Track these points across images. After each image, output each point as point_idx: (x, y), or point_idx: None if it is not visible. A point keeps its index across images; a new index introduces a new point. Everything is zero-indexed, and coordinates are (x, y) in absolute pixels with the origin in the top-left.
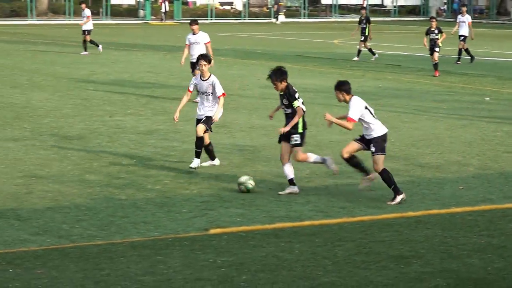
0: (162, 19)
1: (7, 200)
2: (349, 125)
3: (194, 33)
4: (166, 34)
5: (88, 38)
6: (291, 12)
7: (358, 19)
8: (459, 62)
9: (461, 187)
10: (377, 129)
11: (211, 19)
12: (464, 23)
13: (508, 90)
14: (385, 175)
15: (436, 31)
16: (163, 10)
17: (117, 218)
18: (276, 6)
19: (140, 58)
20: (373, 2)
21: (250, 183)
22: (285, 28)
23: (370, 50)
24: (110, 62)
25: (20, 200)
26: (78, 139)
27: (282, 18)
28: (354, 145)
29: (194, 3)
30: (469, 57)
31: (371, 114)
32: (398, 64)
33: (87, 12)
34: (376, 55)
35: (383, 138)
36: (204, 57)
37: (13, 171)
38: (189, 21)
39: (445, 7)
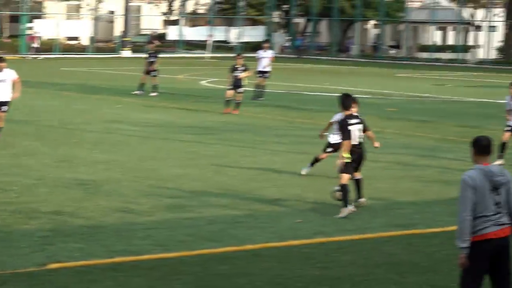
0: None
1: None
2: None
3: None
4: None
5: None
6: (137, 47)
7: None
8: (262, 99)
9: (298, 220)
10: None
11: (57, 53)
12: (266, 59)
13: None
14: None
15: (241, 69)
16: (35, 45)
17: None
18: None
19: None
20: (218, 38)
21: None
22: (132, 63)
23: (144, 85)
24: None
25: None
26: None
27: (127, 53)
28: None
29: (39, 38)
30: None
31: None
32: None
33: None
34: (143, 91)
35: None
36: None
37: None
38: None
39: (288, 44)
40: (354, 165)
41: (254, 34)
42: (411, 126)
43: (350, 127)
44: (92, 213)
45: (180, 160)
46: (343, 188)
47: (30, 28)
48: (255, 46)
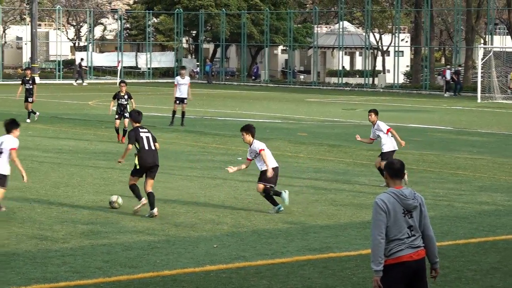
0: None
1: None
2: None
3: None
4: None
5: None
6: (45, 74)
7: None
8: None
9: (215, 245)
10: None
11: None
12: (185, 86)
13: None
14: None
15: (126, 96)
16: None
17: None
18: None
19: None
20: (128, 64)
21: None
22: (40, 89)
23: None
24: None
25: None
26: None
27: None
28: None
29: None
30: (181, 119)
31: None
32: (153, 125)
33: None
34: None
35: None
36: None
37: None
38: None
39: (198, 69)
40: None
41: (163, 59)
42: (323, 150)
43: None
44: (6, 240)
45: (94, 186)
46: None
47: None
48: (164, 72)
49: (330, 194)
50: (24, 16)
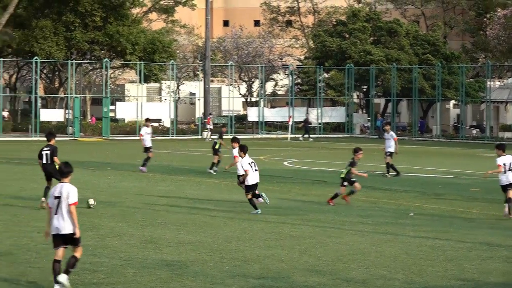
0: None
1: None
2: None
3: None
4: (95, 150)
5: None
6: (218, 129)
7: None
8: (388, 175)
9: None
10: None
11: (139, 136)
12: (389, 140)
13: (431, 205)
14: None
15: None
16: (209, 126)
17: None
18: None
19: None
20: (298, 119)
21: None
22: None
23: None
24: (39, 178)
25: None
26: (6, 255)
27: (208, 134)
28: None
29: (123, 120)
30: (395, 173)
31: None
32: (324, 180)
33: None
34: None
35: None
36: None
37: None
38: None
39: (369, 124)
40: None
41: (334, 114)
42: (497, 206)
43: None
44: None
45: (265, 241)
46: None
47: (112, 111)
48: (335, 127)
49: (504, 251)
50: (197, 72)
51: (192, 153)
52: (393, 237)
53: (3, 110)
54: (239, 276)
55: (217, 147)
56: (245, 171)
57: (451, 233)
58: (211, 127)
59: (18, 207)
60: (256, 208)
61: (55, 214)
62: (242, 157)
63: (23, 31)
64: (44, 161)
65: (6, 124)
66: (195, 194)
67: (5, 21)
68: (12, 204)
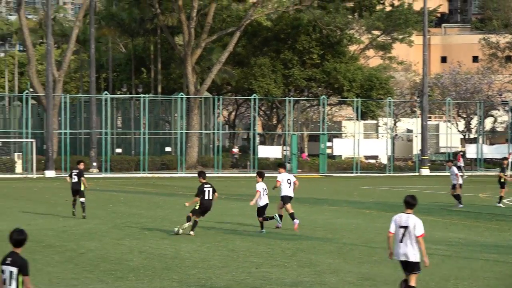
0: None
1: None
2: None
3: None
4: (312, 187)
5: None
6: (436, 166)
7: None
8: None
9: None
10: None
11: (356, 172)
12: None
13: None
14: None
15: None
16: (460, 164)
17: None
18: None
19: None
20: None
21: None
22: (430, 181)
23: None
24: (254, 213)
25: None
26: None
27: (426, 171)
28: None
29: (340, 156)
30: None
31: None
32: None
33: None
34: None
35: None
36: None
37: None
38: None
39: None
40: None
41: None
42: None
43: None
44: None
45: (484, 279)
46: None
47: (329, 147)
48: None
49: None
50: (415, 109)
51: (409, 190)
52: None
53: (233, 147)
54: None
55: (502, 180)
56: None
57: None
58: (462, 164)
59: (237, 242)
60: (262, 228)
61: (400, 242)
62: None
63: (242, 69)
64: (206, 197)
65: (226, 161)
66: None
67: (225, 59)
68: (230, 239)
